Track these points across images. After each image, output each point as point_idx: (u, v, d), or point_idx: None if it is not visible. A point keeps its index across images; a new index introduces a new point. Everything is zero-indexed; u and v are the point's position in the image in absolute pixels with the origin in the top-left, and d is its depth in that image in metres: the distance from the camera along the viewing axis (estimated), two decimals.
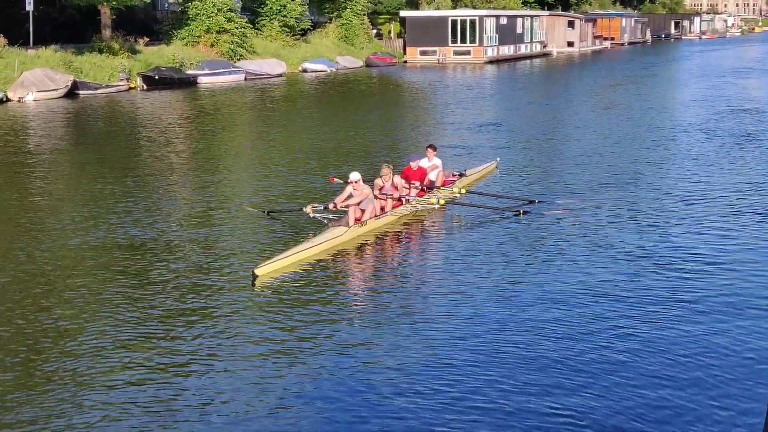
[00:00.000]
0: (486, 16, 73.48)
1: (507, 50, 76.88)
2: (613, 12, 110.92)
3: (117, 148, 26.96)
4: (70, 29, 51.27)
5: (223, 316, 11.37)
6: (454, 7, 78.32)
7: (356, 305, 12.03)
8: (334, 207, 15.43)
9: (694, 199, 17.98)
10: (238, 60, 54.72)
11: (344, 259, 14.17)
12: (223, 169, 22.96)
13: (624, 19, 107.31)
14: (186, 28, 54.26)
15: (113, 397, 9.02)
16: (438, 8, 78.21)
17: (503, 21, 76.17)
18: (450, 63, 70.34)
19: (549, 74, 63.92)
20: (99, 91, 42.89)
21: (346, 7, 69.21)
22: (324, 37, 67.81)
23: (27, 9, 44.73)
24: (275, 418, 8.60)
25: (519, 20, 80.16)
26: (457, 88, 49.43)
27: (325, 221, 15.31)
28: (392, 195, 16.27)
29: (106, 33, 47.85)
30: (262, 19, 61.65)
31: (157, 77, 46.00)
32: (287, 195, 18.86)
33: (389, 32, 78.63)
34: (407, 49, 73.46)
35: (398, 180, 16.70)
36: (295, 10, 62.47)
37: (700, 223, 16.00)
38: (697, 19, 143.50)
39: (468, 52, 72.10)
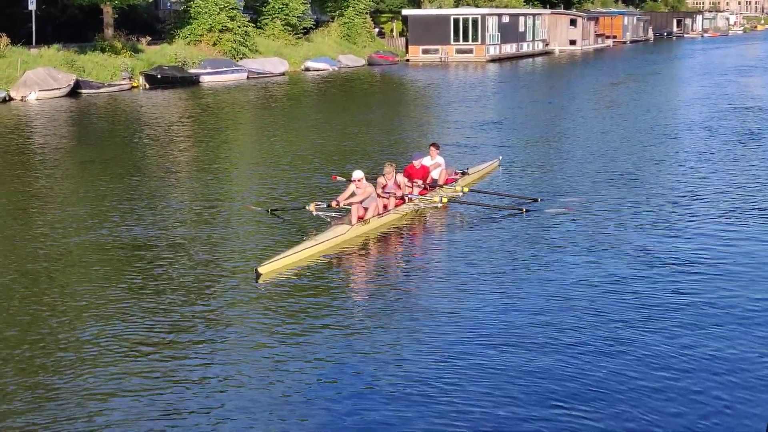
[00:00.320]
0: (488, 14, 73.43)
1: (509, 49, 76.84)
2: (616, 10, 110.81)
3: (119, 147, 26.98)
4: (72, 28, 51.30)
5: (227, 315, 11.39)
6: (456, 6, 78.24)
7: (359, 303, 12.05)
8: (337, 205, 15.45)
9: (697, 198, 17.98)
10: (241, 59, 54.73)
11: (347, 257, 14.19)
12: (226, 168, 22.98)
13: (626, 18, 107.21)
14: (188, 26, 54.27)
15: (117, 394, 9.04)
16: (440, 7, 78.13)
17: (505, 19, 76.13)
18: (452, 61, 70.33)
19: (551, 73, 63.88)
20: (101, 90, 42.91)
21: (349, 6, 69.19)
22: (326, 35, 67.79)
23: (29, 8, 44.71)
24: (279, 415, 8.62)
25: (521, 18, 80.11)
26: (459, 86, 49.42)
27: (328, 219, 15.33)
28: (395, 193, 16.29)
29: (109, 32, 47.88)
30: (264, 18, 61.64)
31: (159, 76, 46.02)
32: (290, 193, 18.87)
33: (391, 31, 78.59)
34: (409, 47, 73.42)
35: (401, 178, 16.72)
36: (297, 9, 62.45)
37: (703, 221, 16.00)
38: (699, 17, 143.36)
39: (470, 51, 72.06)
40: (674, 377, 9.32)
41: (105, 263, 13.71)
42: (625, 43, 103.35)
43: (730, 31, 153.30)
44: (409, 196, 16.67)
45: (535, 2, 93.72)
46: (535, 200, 17.47)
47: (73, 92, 41.20)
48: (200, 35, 54.11)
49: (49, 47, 43.53)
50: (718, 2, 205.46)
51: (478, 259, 13.72)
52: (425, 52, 71.92)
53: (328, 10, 70.12)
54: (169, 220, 16.54)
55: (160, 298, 11.98)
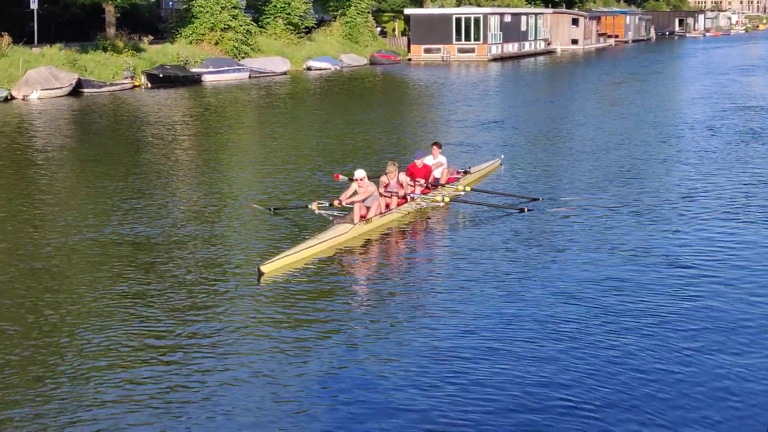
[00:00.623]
0: (490, 13, 73.42)
1: (511, 48, 76.83)
2: (617, 9, 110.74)
3: (121, 146, 27.00)
4: (74, 27, 51.33)
5: (229, 313, 11.39)
6: (459, 5, 78.22)
7: (361, 302, 12.04)
8: (340, 204, 15.45)
9: (700, 197, 17.97)
10: (243, 58, 54.75)
11: (349, 256, 14.19)
12: (228, 167, 22.99)
13: (628, 17, 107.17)
14: (190, 26, 54.29)
15: (119, 392, 9.05)
16: (442, 6, 78.16)
17: (507, 18, 76.12)
18: (454, 61, 70.34)
19: (553, 72, 63.86)
20: (103, 89, 42.94)
21: (351, 5, 69.19)
22: (328, 35, 67.80)
23: (31, 7, 44.75)
24: (280, 414, 8.62)
25: (523, 18, 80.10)
26: (461, 85, 49.40)
27: (330, 218, 15.34)
28: (397, 192, 16.28)
29: (111, 31, 47.89)
30: (266, 17, 61.64)
31: (161, 75, 46.05)
32: (293, 192, 18.87)
33: (393, 30, 78.59)
34: (411, 46, 73.43)
35: (403, 177, 16.73)
36: (299, 8, 62.47)
37: (706, 220, 16.00)
38: (701, 17, 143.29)
39: (472, 50, 72.07)
40: (674, 376, 9.31)
41: (107, 261, 13.71)
42: (627, 42, 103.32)
43: (731, 31, 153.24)
44: (411, 195, 16.67)
45: (537, 1, 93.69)
46: (537, 200, 17.47)
47: (75, 91, 41.24)
48: (202, 34, 54.14)
49: (51, 46, 43.56)
50: (720, 2, 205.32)
51: (480, 258, 13.72)
52: (427, 51, 71.94)
53: (330, 9, 70.11)
54: (171, 219, 16.54)
55: (163, 297, 11.99)
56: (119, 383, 9.27)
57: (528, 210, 16.57)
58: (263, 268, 12.85)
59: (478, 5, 77.12)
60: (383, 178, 16.60)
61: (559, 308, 11.39)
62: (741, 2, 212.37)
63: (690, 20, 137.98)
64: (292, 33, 62.00)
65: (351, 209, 15.36)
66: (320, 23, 68.71)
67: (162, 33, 55.63)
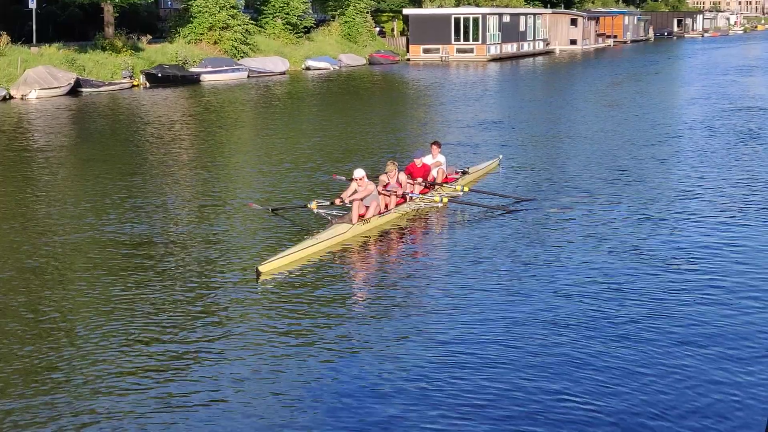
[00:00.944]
0: (489, 14, 73.40)
1: (510, 48, 76.82)
2: (616, 10, 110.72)
3: (120, 145, 26.98)
4: (73, 27, 51.33)
5: (227, 313, 11.39)
6: (457, 5, 78.18)
7: (360, 302, 12.05)
8: (341, 202, 15.42)
9: (698, 197, 18.00)
10: (241, 58, 54.73)
11: (348, 256, 14.19)
12: (227, 167, 22.99)
13: (627, 17, 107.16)
14: (189, 25, 54.26)
15: (117, 391, 9.05)
16: (441, 6, 78.10)
17: (506, 19, 76.12)
18: (453, 61, 70.34)
19: (552, 72, 63.86)
20: (102, 88, 42.91)
21: (349, 5, 69.16)
22: (327, 35, 67.79)
23: (30, 7, 44.75)
24: (278, 414, 8.62)
25: (522, 18, 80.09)
26: (460, 86, 49.40)
27: (329, 218, 15.35)
28: (396, 192, 16.28)
29: (109, 31, 47.87)
30: (265, 17, 61.63)
31: (160, 75, 46.03)
32: (291, 192, 18.87)
33: (392, 30, 78.56)
34: (410, 47, 73.41)
35: (403, 177, 16.74)
36: (298, 8, 62.45)
37: (704, 220, 16.01)
38: (699, 17, 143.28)
39: (471, 50, 72.06)
40: (674, 375, 9.32)
41: (106, 261, 13.70)
42: (625, 42, 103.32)
43: (730, 31, 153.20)
44: (410, 194, 16.67)
45: (536, 2, 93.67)
46: (533, 200, 17.49)
47: (74, 91, 41.21)
48: (201, 34, 54.12)
49: (49, 46, 43.55)
50: (719, 2, 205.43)
51: (478, 258, 13.73)
52: (426, 51, 71.93)
53: (329, 9, 70.11)
54: (170, 219, 16.54)
55: (161, 296, 11.99)
56: (117, 382, 9.27)
57: (510, 211, 16.51)
58: (261, 268, 12.84)
59: (477, 5, 77.09)
60: (383, 177, 16.61)
61: (559, 307, 11.39)
62: (739, 3, 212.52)
63: (688, 21, 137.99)
64: (290, 33, 61.99)
65: (349, 209, 15.37)
66: (319, 23, 68.68)
67: (161, 32, 55.60)
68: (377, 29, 75.80)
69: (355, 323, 11.05)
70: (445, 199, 16.73)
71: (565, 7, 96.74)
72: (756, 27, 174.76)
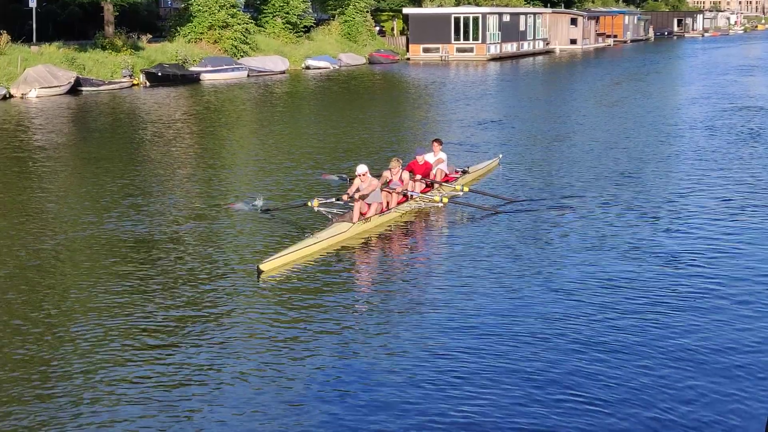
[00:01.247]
0: (489, 13, 73.38)
1: (510, 48, 76.81)
2: (616, 9, 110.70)
3: (120, 144, 26.97)
4: (73, 26, 51.31)
5: (228, 311, 11.39)
6: (457, 5, 78.16)
7: (361, 300, 12.05)
8: (349, 198, 15.41)
9: (698, 196, 18.01)
10: (241, 57, 54.71)
11: (348, 255, 14.20)
12: (227, 166, 22.98)
13: (627, 17, 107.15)
14: (189, 24, 54.24)
15: (118, 390, 9.04)
16: (441, 5, 78.08)
17: (506, 18, 76.10)
18: (453, 60, 70.32)
19: (552, 72, 63.85)
20: (102, 87, 42.89)
21: (349, 4, 69.16)
22: (327, 34, 67.78)
23: (30, 6, 44.73)
24: (279, 412, 8.61)
25: (522, 18, 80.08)
26: (459, 85, 49.39)
27: (330, 216, 15.37)
28: (396, 190, 16.28)
29: (109, 30, 47.85)
30: (265, 16, 61.62)
31: (160, 74, 46.01)
32: (291, 191, 18.86)
33: (392, 29, 78.55)
34: (410, 46, 73.42)
35: (406, 175, 16.77)
36: (298, 7, 62.45)
37: (704, 219, 16.02)
38: (699, 17, 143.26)
39: (471, 50, 72.05)
40: (673, 374, 9.32)
41: (106, 259, 13.69)
42: (625, 42, 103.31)
43: (730, 31, 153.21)
44: (411, 193, 16.68)
45: (536, 1, 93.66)
46: (532, 200, 17.48)
47: (74, 90, 41.19)
48: (201, 33, 54.10)
49: (49, 45, 43.55)
50: (719, 2, 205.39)
51: (478, 257, 13.74)
52: (426, 50, 71.93)
53: (329, 8, 70.09)
54: (170, 217, 16.52)
55: (162, 294, 11.99)
56: (119, 381, 9.26)
57: (510, 210, 16.50)
58: (262, 266, 12.85)
59: (477, 5, 77.02)
60: (386, 173, 16.71)
61: (559, 305, 11.39)
62: (740, 2, 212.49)
63: (689, 20, 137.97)
64: (290, 32, 61.98)
65: (351, 207, 15.38)
66: (319, 22, 68.66)
67: (161, 32, 55.60)
68: (377, 28, 75.79)
69: (356, 321, 11.05)
70: (445, 199, 16.73)
71: (565, 7, 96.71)
72: (756, 26, 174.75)
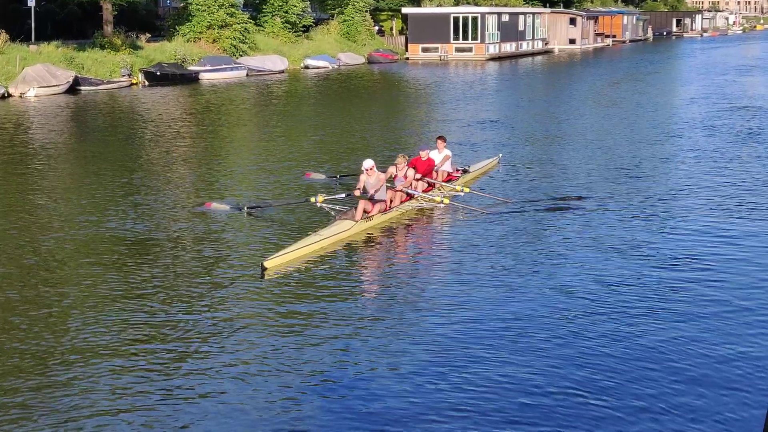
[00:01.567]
0: (488, 13, 73.39)
1: (509, 47, 76.83)
2: (615, 9, 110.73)
3: (118, 143, 26.92)
4: (71, 25, 51.27)
5: (233, 308, 11.39)
6: (456, 4, 78.14)
7: (364, 298, 12.05)
8: (359, 192, 15.54)
9: (697, 196, 18.01)
10: (240, 56, 54.69)
11: (352, 252, 14.24)
12: (226, 165, 22.97)
13: (626, 17, 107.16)
14: (188, 24, 54.22)
15: (121, 387, 9.02)
16: (440, 5, 78.08)
17: (505, 18, 76.11)
18: (452, 60, 70.32)
19: (551, 71, 63.86)
20: (100, 87, 42.86)
21: (348, 4, 69.15)
22: (326, 33, 67.77)
23: (29, 5, 44.70)
24: (283, 409, 8.59)
25: (521, 17, 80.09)
26: (458, 85, 49.38)
27: (332, 213, 15.43)
28: (397, 187, 16.32)
29: (108, 29, 47.82)
30: (263, 16, 61.60)
31: (158, 73, 45.98)
32: (290, 189, 18.83)
33: (391, 29, 78.55)
34: (409, 46, 73.43)
35: (411, 172, 16.84)
36: (296, 7, 62.43)
37: (703, 218, 16.03)
38: (698, 17, 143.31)
39: (470, 49, 72.07)
40: (672, 372, 9.30)
41: (105, 257, 13.66)
42: (624, 42, 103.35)
43: (729, 31, 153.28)
44: (413, 192, 16.69)
45: (535, 1, 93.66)
46: (536, 200, 17.46)
47: (72, 89, 41.15)
48: (200, 32, 54.09)
49: (48, 44, 43.51)
50: (718, 2, 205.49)
51: (481, 256, 13.74)
52: (425, 50, 71.94)
53: (328, 8, 70.08)
54: (170, 216, 16.47)
55: (166, 292, 11.97)
56: (121, 377, 9.24)
57: (510, 210, 16.49)
58: (267, 264, 12.89)
59: (476, 5, 77.05)
60: (391, 169, 16.89)
61: (559, 303, 11.38)
62: (738, 3, 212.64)
63: (687, 20, 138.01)
64: (289, 31, 61.97)
65: (353, 205, 15.47)
66: (317, 22, 68.65)
67: (159, 31, 55.59)
68: (376, 28, 75.78)
69: (360, 319, 11.02)
70: (446, 200, 16.76)
71: (564, 7, 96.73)
72: (755, 27, 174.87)
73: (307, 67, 59.60)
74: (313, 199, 15.91)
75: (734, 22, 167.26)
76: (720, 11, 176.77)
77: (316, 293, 12.02)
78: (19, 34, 43.16)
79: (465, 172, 19.51)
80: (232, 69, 51.57)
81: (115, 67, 45.09)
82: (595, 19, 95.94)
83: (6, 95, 38.41)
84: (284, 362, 9.67)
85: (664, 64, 67.61)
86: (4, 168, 22.23)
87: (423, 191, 17.21)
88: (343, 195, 15.97)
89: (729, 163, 21.96)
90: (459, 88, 46.32)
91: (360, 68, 62.24)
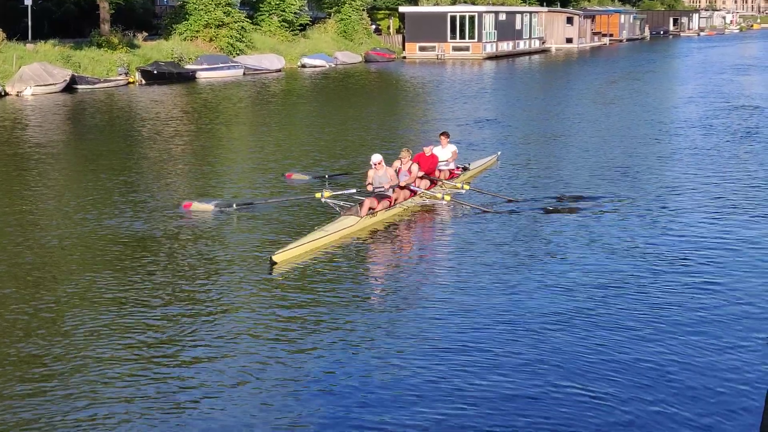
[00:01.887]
0: (485, 12, 73.40)
1: (506, 46, 76.85)
2: (612, 8, 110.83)
3: (116, 142, 26.88)
4: (68, 24, 51.20)
5: (241, 302, 11.54)
6: (453, 3, 78.09)
7: (372, 293, 12.17)
8: (372, 187, 15.80)
9: (695, 194, 18.02)
10: (237, 55, 54.64)
11: (356, 247, 14.39)
12: (223, 163, 22.97)
13: (623, 16, 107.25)
14: (184, 22, 54.18)
15: (129, 380, 9.02)
16: (437, 4, 78.10)
17: (502, 17, 76.12)
18: (449, 59, 70.31)
19: (548, 70, 63.87)
20: (97, 85, 42.80)
21: (345, 3, 69.14)
22: (323, 32, 67.74)
23: (26, 3, 44.64)
24: (291, 402, 8.59)
25: (518, 16, 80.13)
26: (456, 83, 49.37)
27: (337, 209, 15.63)
28: (400, 183, 16.44)
29: (105, 28, 47.74)
30: (260, 14, 61.58)
31: (155, 72, 45.93)
32: (289, 188, 18.81)
33: (388, 28, 78.56)
34: (406, 44, 73.42)
35: (415, 167, 16.96)
36: (293, 5, 62.40)
37: (702, 217, 16.03)
38: (695, 16, 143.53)
39: (467, 48, 72.09)
40: (672, 371, 9.30)
41: (111, 256, 13.65)
42: (621, 41, 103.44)
43: (726, 30, 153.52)
44: (416, 189, 16.84)
45: (532, 0, 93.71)
46: (534, 200, 17.42)
47: (69, 88, 41.10)
48: (196, 31, 54.04)
49: (45, 42, 43.43)
50: (715, 1, 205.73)
51: (484, 251, 13.85)
52: (422, 49, 71.95)
53: (325, 6, 70.06)
54: (169, 214, 16.39)
55: (175, 286, 12.10)
56: (128, 370, 9.23)
57: (510, 208, 16.44)
58: (275, 258, 13.11)
59: (473, 3, 77.04)
60: (396, 163, 16.98)
61: (560, 301, 11.39)
62: (735, 2, 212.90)
63: (684, 19, 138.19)
64: (286, 30, 61.94)
65: (357, 200, 15.77)
66: (315, 21, 68.62)
67: (156, 30, 55.53)
68: (373, 27, 75.80)
69: (366, 311, 11.12)
70: (447, 197, 16.89)
71: (561, 6, 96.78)
72: (752, 26, 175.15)
73: (304, 66, 59.58)
74: (318, 195, 16.09)
75: (731, 21, 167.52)
76: (717, 10, 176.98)
77: (324, 286, 12.19)
78: (15, 32, 43.08)
79: (465, 169, 19.65)
80: (229, 68, 51.54)
81: (112, 66, 45.04)
82: (592, 18, 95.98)
83: (3, 94, 38.36)
84: (296, 352, 9.75)
85: (661, 63, 67.64)
86: (1, 167, 22.16)
87: (425, 188, 17.26)
88: (354, 190, 16.18)
89: (726, 162, 21.96)
90: (456, 87, 46.31)
91: (357, 67, 62.23)
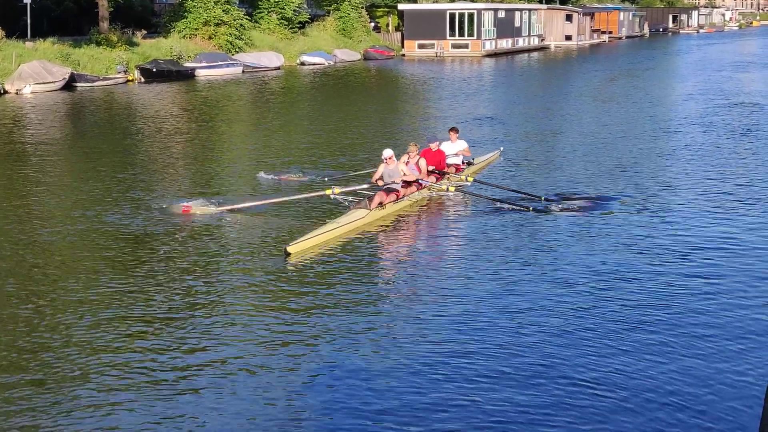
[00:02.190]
0: (484, 9, 73.35)
1: (505, 44, 76.80)
2: (611, 6, 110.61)
3: (115, 140, 26.84)
4: (67, 22, 51.13)
5: (258, 291, 11.80)
6: (452, 1, 78.05)
7: (386, 284, 12.42)
8: (382, 182, 16.14)
9: (694, 192, 18.04)
10: (236, 53, 54.59)
11: (366, 239, 14.71)
12: (222, 161, 22.96)
13: (622, 13, 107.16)
14: (183, 20, 54.11)
15: (139, 375, 9.06)
16: (436, 1, 78.05)
17: (501, 14, 76.08)
18: (448, 56, 70.28)
19: (547, 68, 63.85)
20: (96, 83, 42.74)
21: (344, 0, 69.08)
22: (322, 30, 67.68)
23: (25, 1, 44.58)
24: (302, 392, 8.65)
25: (517, 14, 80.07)
26: (455, 81, 49.35)
27: (346, 203, 15.96)
28: (410, 178, 16.60)
29: (104, 25, 47.68)
30: (259, 12, 61.53)
31: (154, 70, 45.88)
32: (286, 186, 18.79)
33: (387, 25, 78.52)
34: (405, 42, 73.38)
35: (423, 162, 17.23)
36: (292, 3, 62.34)
37: (701, 214, 16.06)
38: (695, 13, 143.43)
39: (466, 46, 72.04)
40: (671, 371, 9.29)
41: (110, 252, 13.64)
42: (620, 38, 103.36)
43: (725, 27, 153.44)
44: (424, 182, 17.04)
45: None
46: (539, 198, 17.35)
47: (68, 86, 41.04)
48: (195, 29, 53.97)
49: (44, 40, 43.36)
50: None
51: (492, 243, 14.10)
52: (421, 46, 71.90)
53: (324, 4, 70.00)
54: (168, 213, 16.35)
55: (193, 275, 12.38)
56: (140, 361, 9.28)
57: (533, 209, 16.34)
58: (290, 249, 13.45)
59: (472, 1, 76.99)
60: (404, 157, 17.17)
61: (560, 299, 11.38)
62: None
63: (684, 17, 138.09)
64: (285, 28, 61.88)
65: (364, 195, 16.10)
66: (314, 18, 68.57)
67: (155, 27, 55.46)
68: (372, 24, 75.74)
69: (378, 302, 11.41)
70: (452, 188, 17.16)
71: (561, 3, 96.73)
72: (751, 23, 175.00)
73: (303, 64, 59.54)
74: (329, 191, 16.29)
75: (730, 19, 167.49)
76: (716, 7, 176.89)
77: (338, 277, 12.53)
78: (14, 30, 43.03)
79: (469, 164, 19.89)
80: (227, 65, 51.50)
81: (111, 64, 44.98)
82: (592, 15, 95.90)
83: (2, 92, 38.30)
84: (308, 347, 9.88)
85: (660, 61, 67.61)
86: (0, 165, 22.13)
87: (432, 183, 17.48)
88: (365, 186, 16.46)
89: (726, 159, 21.97)
90: (455, 85, 46.29)
91: (356, 65, 62.20)
